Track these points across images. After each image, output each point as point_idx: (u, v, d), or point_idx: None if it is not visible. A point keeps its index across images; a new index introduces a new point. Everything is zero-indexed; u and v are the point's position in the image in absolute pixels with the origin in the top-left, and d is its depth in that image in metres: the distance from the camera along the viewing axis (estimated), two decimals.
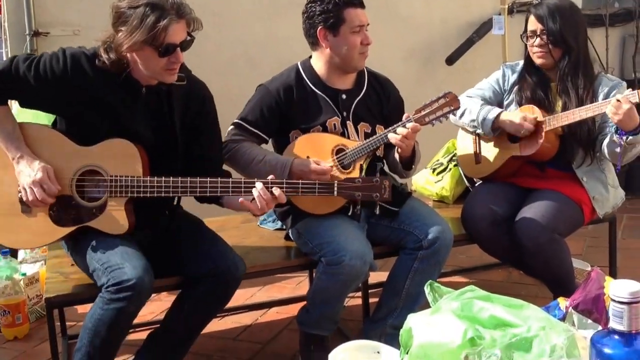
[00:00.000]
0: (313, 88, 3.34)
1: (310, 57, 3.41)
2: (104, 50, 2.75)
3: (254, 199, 2.78)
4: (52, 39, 4.45)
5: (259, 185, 2.77)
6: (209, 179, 2.79)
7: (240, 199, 2.78)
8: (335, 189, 2.85)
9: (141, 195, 2.77)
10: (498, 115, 3.50)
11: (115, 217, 2.80)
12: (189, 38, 2.79)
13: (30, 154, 2.78)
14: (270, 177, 2.83)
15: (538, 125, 3.42)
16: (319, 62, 3.35)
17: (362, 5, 3.27)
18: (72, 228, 2.82)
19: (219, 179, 2.80)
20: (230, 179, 2.82)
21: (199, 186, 2.78)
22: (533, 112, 3.47)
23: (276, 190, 2.78)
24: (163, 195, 2.78)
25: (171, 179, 2.77)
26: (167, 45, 2.69)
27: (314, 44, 3.32)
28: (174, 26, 2.66)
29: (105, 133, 2.80)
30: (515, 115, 3.47)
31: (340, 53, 3.26)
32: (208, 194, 2.80)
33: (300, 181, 2.89)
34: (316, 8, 3.23)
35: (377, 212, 3.34)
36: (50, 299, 2.92)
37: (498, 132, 3.58)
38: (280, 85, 3.32)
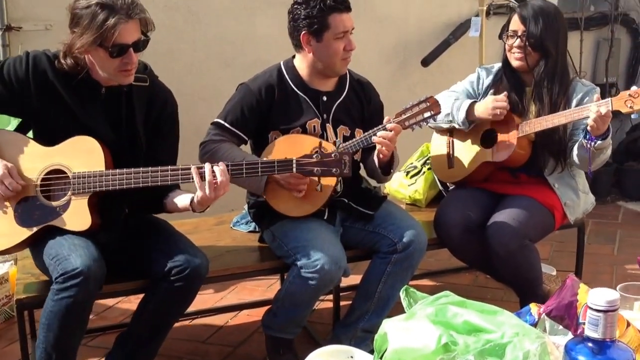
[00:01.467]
0: (294, 89, 3.31)
1: (294, 56, 3.37)
2: (63, 55, 2.77)
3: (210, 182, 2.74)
4: (24, 33, 4.41)
5: (207, 166, 2.74)
6: (169, 167, 2.77)
7: (193, 167, 2.73)
8: (294, 166, 2.79)
9: (103, 189, 2.76)
10: (472, 105, 3.49)
11: (78, 213, 2.78)
12: (143, 38, 2.77)
13: None
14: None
15: (510, 126, 3.43)
16: (302, 64, 3.32)
17: (347, 10, 3.21)
18: (36, 228, 2.81)
19: (180, 166, 2.77)
20: (191, 165, 2.78)
21: (161, 174, 2.76)
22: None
23: (219, 167, 2.74)
24: (125, 187, 2.76)
25: (132, 169, 2.75)
26: (118, 46, 2.68)
27: (297, 46, 3.28)
28: (122, 26, 2.64)
29: (67, 133, 2.81)
30: (486, 100, 3.46)
31: (323, 58, 3.24)
32: (169, 182, 2.78)
33: (259, 161, 2.86)
34: (301, 12, 3.18)
35: (353, 214, 3.35)
36: (22, 300, 2.91)
37: (473, 124, 3.57)
38: (262, 84, 3.29)
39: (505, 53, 3.57)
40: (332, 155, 2.79)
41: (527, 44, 3.43)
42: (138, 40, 2.74)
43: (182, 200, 2.89)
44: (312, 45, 3.21)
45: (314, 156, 2.79)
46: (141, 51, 2.78)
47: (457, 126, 3.59)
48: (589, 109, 3.16)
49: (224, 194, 2.77)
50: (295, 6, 3.22)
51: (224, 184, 2.73)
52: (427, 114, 3.15)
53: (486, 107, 3.44)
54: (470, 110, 3.50)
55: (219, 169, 2.73)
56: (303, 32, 3.19)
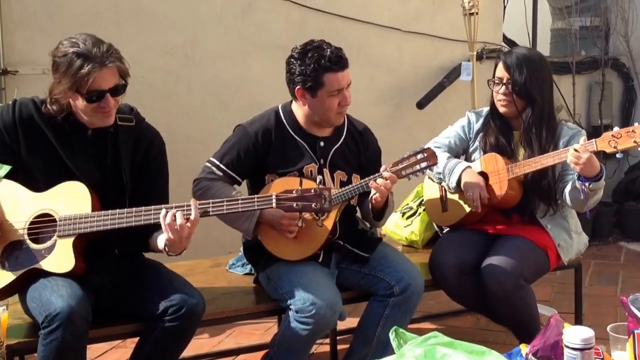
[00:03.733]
0: (292, 133, 3.33)
1: (292, 101, 3.39)
2: (49, 101, 2.85)
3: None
4: (20, 77, 4.46)
5: (171, 212, 2.73)
6: (143, 208, 2.78)
7: (163, 209, 2.74)
8: (274, 200, 2.77)
9: (88, 230, 2.77)
10: (462, 173, 3.50)
11: (62, 255, 2.78)
12: (122, 83, 2.84)
13: None
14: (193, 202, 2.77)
15: (500, 168, 3.44)
16: (299, 111, 3.34)
17: (343, 68, 3.20)
18: (21, 271, 2.80)
19: (152, 207, 2.78)
20: (174, 205, 2.79)
21: (144, 214, 2.77)
22: (496, 161, 3.50)
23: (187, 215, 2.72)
24: (109, 227, 2.77)
25: (112, 211, 2.78)
26: (95, 92, 2.75)
27: (293, 96, 3.30)
28: (97, 73, 2.72)
29: (55, 175, 2.85)
30: (473, 186, 3.45)
31: (317, 112, 3.26)
32: (152, 221, 2.77)
33: (240, 197, 2.85)
34: (296, 67, 3.19)
35: (348, 256, 3.34)
36: (12, 346, 2.86)
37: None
38: (259, 128, 3.30)
39: (492, 98, 3.60)
40: (312, 190, 2.77)
41: (512, 91, 3.46)
42: (116, 85, 2.80)
43: (160, 241, 2.88)
44: (307, 99, 3.24)
45: (294, 191, 2.78)
46: (121, 94, 2.85)
47: (446, 187, 3.61)
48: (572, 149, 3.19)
49: (189, 236, 2.76)
50: (292, 59, 3.24)
51: (183, 226, 2.71)
52: (423, 165, 3.15)
53: (472, 186, 3.45)
54: (461, 174, 3.51)
55: (180, 213, 2.72)
56: (297, 87, 3.22)
